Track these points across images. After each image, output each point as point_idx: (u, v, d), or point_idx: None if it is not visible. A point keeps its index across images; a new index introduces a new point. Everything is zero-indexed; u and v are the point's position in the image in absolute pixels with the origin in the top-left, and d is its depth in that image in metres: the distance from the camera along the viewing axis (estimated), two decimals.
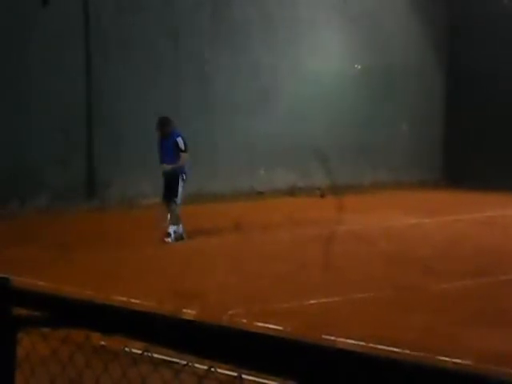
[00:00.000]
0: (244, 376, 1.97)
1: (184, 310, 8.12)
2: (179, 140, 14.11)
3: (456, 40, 24.08)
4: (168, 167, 14.04)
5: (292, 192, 21.20)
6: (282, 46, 21.45)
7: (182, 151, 14.08)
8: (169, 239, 14.03)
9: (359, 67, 22.74)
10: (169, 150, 14.08)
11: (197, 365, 2.23)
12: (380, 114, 22.92)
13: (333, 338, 7.49)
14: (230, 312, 8.72)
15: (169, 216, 14.19)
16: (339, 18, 22.28)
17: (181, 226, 14.24)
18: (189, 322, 1.92)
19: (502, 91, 23.00)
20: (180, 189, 14.14)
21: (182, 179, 14.16)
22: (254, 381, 1.88)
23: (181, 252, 13.48)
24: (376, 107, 22.82)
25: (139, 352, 2.39)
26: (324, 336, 7.51)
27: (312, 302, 9.65)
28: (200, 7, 20.19)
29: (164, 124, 14.25)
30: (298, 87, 21.59)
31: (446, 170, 24.32)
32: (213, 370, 1.97)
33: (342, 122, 22.22)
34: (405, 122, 23.62)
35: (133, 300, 8.80)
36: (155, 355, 2.45)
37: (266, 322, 8.18)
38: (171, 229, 14.12)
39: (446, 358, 7.01)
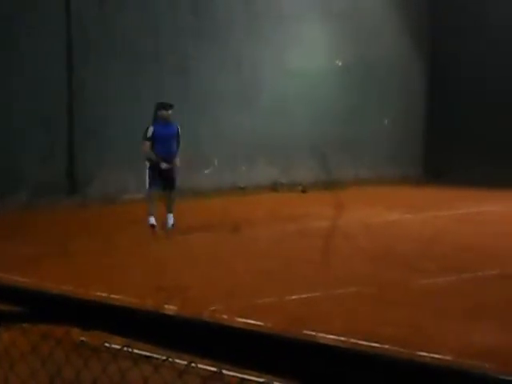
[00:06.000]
0: (224, 371, 1.97)
1: (165, 306, 8.11)
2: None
3: (438, 36, 24.11)
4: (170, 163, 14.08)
5: (274, 187, 21.21)
6: (265, 42, 21.41)
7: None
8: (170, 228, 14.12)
9: (340, 64, 22.76)
10: (171, 139, 14.15)
11: (177, 360, 2.22)
12: (362, 110, 22.95)
13: (314, 333, 7.51)
14: (211, 308, 8.72)
15: (169, 205, 14.27)
16: (322, 13, 22.28)
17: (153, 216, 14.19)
18: (169, 317, 1.91)
19: (485, 90, 23.07)
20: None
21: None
22: (235, 376, 1.87)
23: (163, 248, 13.46)
24: (358, 103, 22.84)
25: (119, 347, 2.39)
26: (305, 331, 7.53)
27: (293, 297, 9.67)
28: (182, 2, 20.13)
29: (171, 107, 14.40)
30: (280, 83, 21.58)
31: (427, 166, 24.38)
32: (193, 365, 1.97)
33: (324, 117, 22.23)
34: (386, 118, 23.67)
35: (113, 295, 8.78)
36: (135, 351, 2.45)
37: (247, 318, 8.18)
38: (171, 219, 14.13)
39: (427, 354, 7.05)
